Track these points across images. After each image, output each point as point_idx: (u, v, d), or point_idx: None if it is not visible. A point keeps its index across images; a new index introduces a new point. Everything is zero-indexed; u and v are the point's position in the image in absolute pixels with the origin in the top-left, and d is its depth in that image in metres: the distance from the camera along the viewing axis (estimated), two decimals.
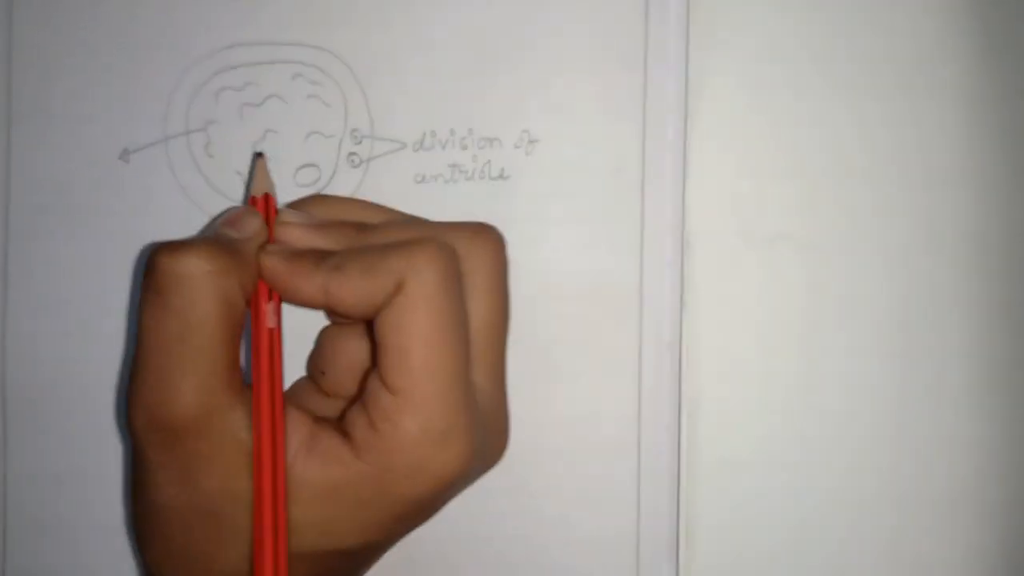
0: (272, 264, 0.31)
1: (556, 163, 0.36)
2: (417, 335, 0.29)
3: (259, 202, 0.33)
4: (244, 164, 0.37)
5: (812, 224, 0.36)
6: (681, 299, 0.36)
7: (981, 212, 0.36)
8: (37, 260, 0.37)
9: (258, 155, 0.34)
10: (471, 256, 0.31)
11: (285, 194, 0.37)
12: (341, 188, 0.37)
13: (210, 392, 0.29)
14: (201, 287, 0.29)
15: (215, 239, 0.31)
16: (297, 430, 0.30)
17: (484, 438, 0.32)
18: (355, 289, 0.30)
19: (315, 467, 0.30)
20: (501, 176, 0.37)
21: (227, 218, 0.32)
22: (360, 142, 0.37)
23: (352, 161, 0.37)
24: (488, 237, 0.32)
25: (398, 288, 0.29)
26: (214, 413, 0.29)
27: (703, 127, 0.36)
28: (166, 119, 0.37)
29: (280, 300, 0.31)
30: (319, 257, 0.31)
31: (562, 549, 0.36)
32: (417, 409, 0.29)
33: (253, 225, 0.31)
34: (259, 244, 0.31)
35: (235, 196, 0.37)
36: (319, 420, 0.31)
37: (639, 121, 0.36)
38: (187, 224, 0.37)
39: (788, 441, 0.36)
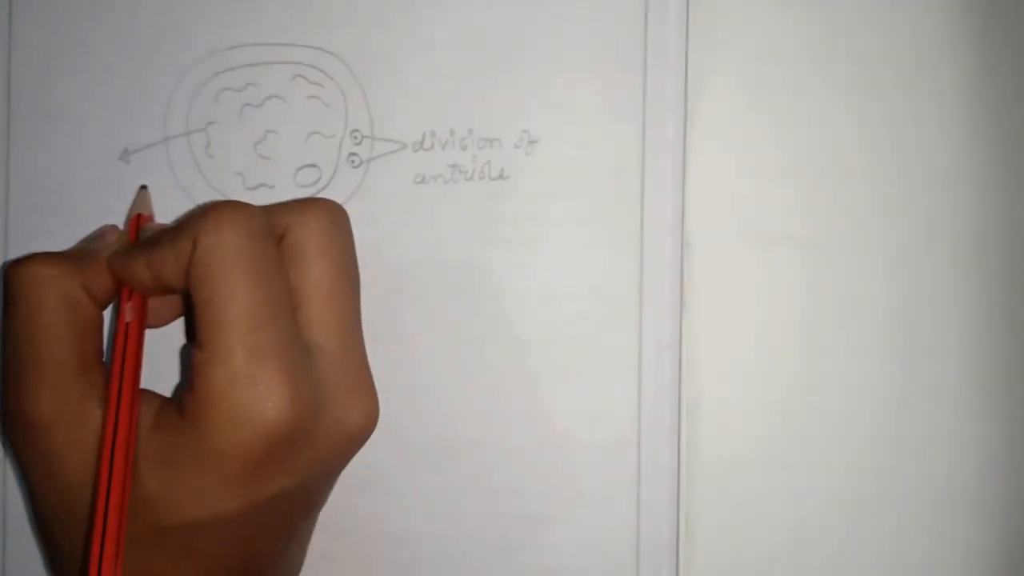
0: (111, 260, 0.33)
1: (556, 163, 0.36)
2: (212, 286, 0.30)
3: (132, 221, 0.35)
4: (245, 164, 0.37)
5: (812, 224, 0.36)
6: (681, 299, 0.36)
7: (981, 212, 0.36)
8: None
9: (142, 187, 0.37)
10: (299, 224, 0.32)
11: (286, 194, 0.37)
12: (342, 188, 0.37)
13: (60, 388, 0.31)
14: (41, 289, 0.31)
15: (64, 250, 0.33)
16: (149, 410, 0.32)
17: (326, 394, 0.31)
18: (166, 256, 0.31)
19: (156, 438, 0.31)
20: (501, 176, 0.37)
21: (91, 235, 0.35)
22: (360, 142, 0.37)
23: (352, 161, 0.37)
24: (318, 206, 0.33)
25: (195, 245, 0.30)
26: (66, 408, 0.31)
27: (703, 127, 0.36)
28: (166, 119, 0.37)
29: (142, 298, 0.33)
30: (146, 240, 0.33)
31: (562, 549, 0.36)
32: (221, 358, 0.30)
33: (110, 236, 0.34)
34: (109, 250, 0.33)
35: (235, 196, 0.37)
36: (168, 398, 0.33)
37: (639, 121, 0.36)
38: None
39: (788, 441, 0.36)
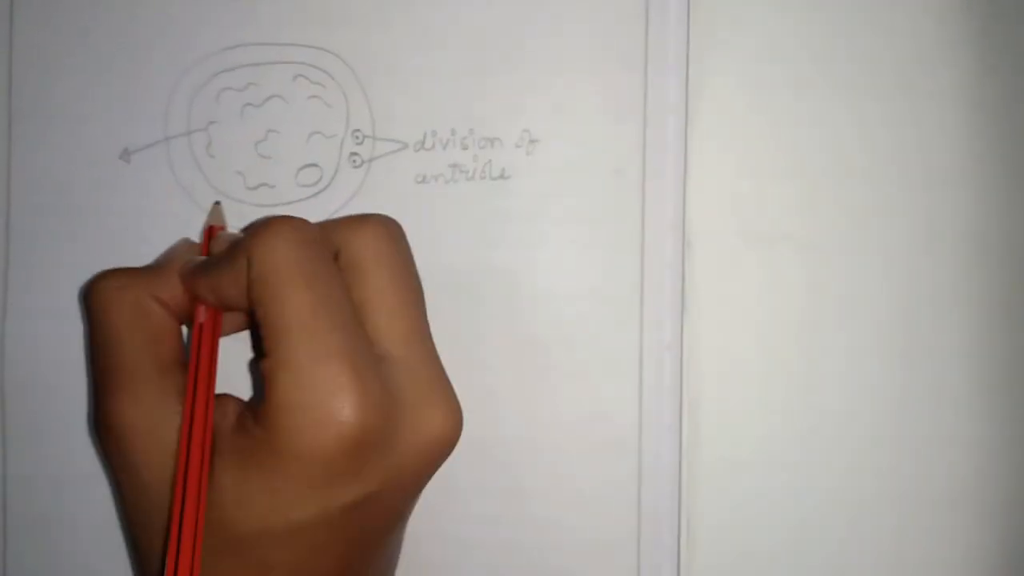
0: (182, 276, 0.34)
1: (556, 163, 0.37)
2: (270, 298, 0.30)
3: (204, 233, 0.36)
4: (246, 164, 0.37)
5: (812, 224, 0.36)
6: (681, 299, 0.36)
7: (981, 212, 0.36)
8: (37, 260, 0.38)
9: (216, 203, 0.37)
10: (353, 239, 0.32)
11: (287, 195, 0.37)
12: (343, 188, 0.37)
13: (138, 392, 0.32)
14: (112, 299, 0.33)
15: (137, 267, 0.35)
16: (230, 412, 0.32)
17: (401, 401, 0.31)
18: (223, 278, 0.32)
19: (234, 441, 0.31)
20: (502, 176, 0.37)
21: (169, 248, 0.36)
22: (361, 142, 0.37)
23: (354, 161, 0.37)
24: (371, 220, 0.33)
25: (249, 264, 0.31)
26: (145, 410, 0.32)
27: (703, 127, 0.36)
28: (167, 119, 0.37)
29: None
30: (204, 265, 0.33)
31: (562, 549, 0.36)
32: (285, 363, 0.30)
33: (182, 248, 0.35)
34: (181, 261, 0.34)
35: (236, 196, 0.37)
36: (247, 402, 0.33)
37: (639, 121, 0.36)
38: (187, 224, 0.37)
39: (788, 441, 0.36)
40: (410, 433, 0.31)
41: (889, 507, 0.36)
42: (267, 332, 0.30)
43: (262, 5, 0.37)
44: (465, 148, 0.37)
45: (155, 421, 0.32)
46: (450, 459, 0.36)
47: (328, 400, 0.30)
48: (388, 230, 0.33)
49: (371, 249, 0.32)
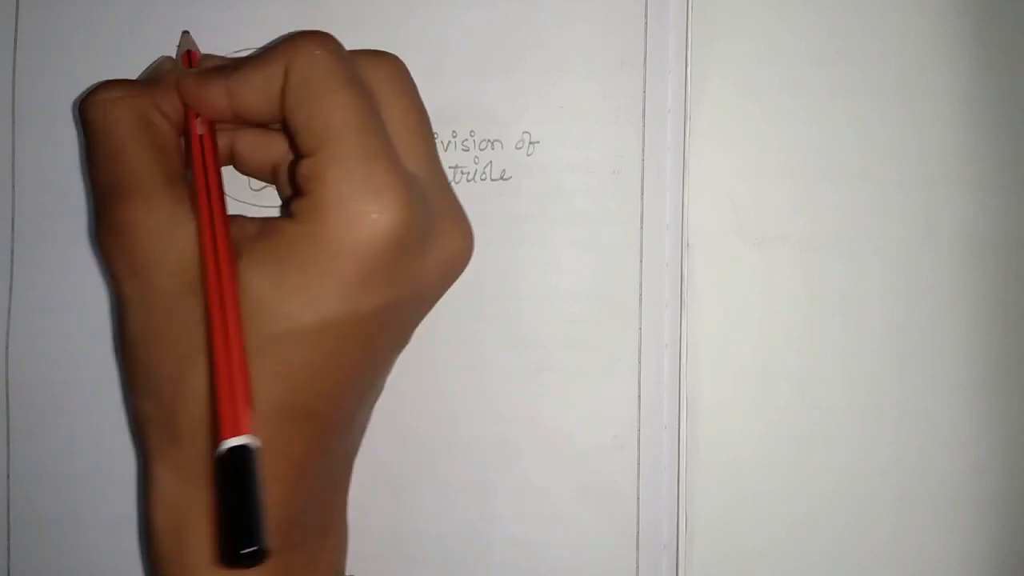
0: (184, 82, 0.33)
1: (557, 164, 0.37)
2: (314, 102, 0.31)
3: (183, 56, 0.36)
4: None
5: (811, 224, 0.36)
6: (681, 299, 0.36)
7: (979, 212, 0.36)
8: (41, 261, 0.38)
9: (184, 32, 0.37)
10: (375, 69, 0.33)
11: None
12: None
13: (149, 197, 0.32)
14: (114, 111, 0.32)
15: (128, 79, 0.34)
16: (251, 224, 0.33)
17: (428, 211, 0.32)
18: (251, 82, 0.32)
19: (263, 246, 0.31)
20: (502, 177, 0.37)
21: (149, 67, 0.36)
22: None
23: None
24: (386, 55, 0.33)
25: (288, 71, 0.31)
26: (157, 215, 0.31)
27: (702, 128, 0.36)
28: None
29: (209, 122, 0.34)
30: (222, 67, 0.33)
31: (562, 548, 0.36)
32: (335, 161, 0.30)
33: (167, 63, 0.35)
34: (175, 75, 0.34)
35: (241, 198, 0.38)
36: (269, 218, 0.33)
37: (639, 121, 0.36)
38: None
39: (788, 440, 0.36)
40: (438, 245, 0.32)
41: (888, 506, 0.36)
42: (312, 134, 0.31)
43: (264, 8, 0.38)
44: (466, 150, 0.37)
45: (170, 226, 0.31)
46: (450, 458, 0.37)
47: (377, 195, 0.30)
48: (401, 66, 0.33)
49: (388, 79, 0.33)
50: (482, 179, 0.37)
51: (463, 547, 0.37)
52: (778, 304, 0.36)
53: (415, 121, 0.33)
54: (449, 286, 0.34)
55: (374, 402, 0.35)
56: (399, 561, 0.37)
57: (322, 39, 0.32)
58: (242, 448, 0.28)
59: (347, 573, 0.35)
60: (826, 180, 0.36)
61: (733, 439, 0.36)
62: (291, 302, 0.30)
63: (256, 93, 0.32)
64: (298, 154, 0.31)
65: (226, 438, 0.28)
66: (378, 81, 0.32)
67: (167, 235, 0.31)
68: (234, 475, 0.28)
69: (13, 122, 0.38)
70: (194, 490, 0.31)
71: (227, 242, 0.31)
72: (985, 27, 0.36)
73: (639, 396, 0.36)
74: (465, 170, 0.37)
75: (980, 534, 0.36)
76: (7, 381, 0.38)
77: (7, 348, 0.38)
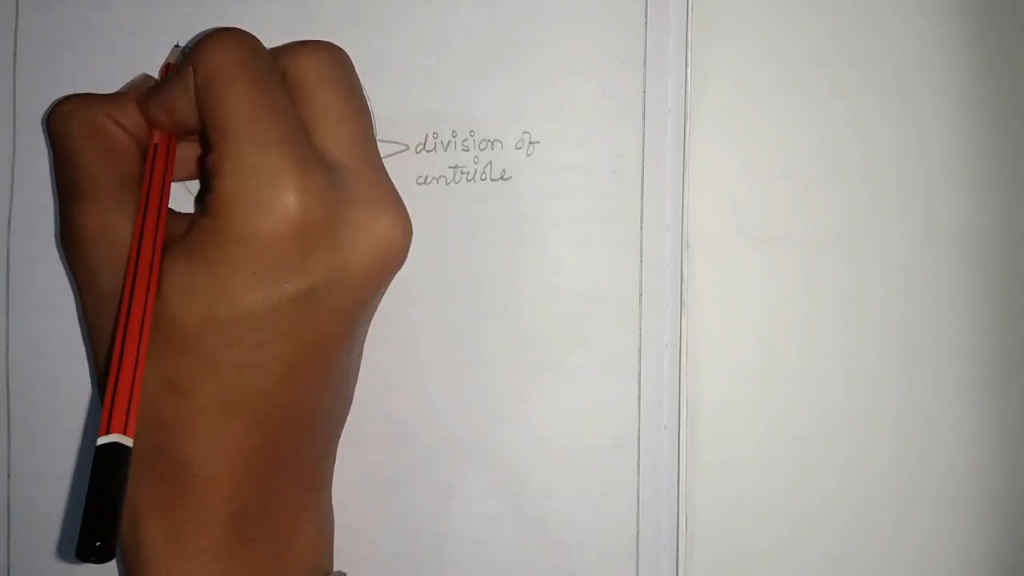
0: (138, 99, 0.34)
1: (557, 164, 0.37)
2: (214, 96, 0.31)
3: (162, 71, 0.37)
4: None
5: (810, 224, 0.36)
6: (681, 299, 0.36)
7: (979, 212, 0.36)
8: (41, 261, 0.38)
9: (175, 45, 0.38)
10: (299, 61, 0.33)
11: None
12: None
13: (99, 203, 0.33)
14: (68, 121, 0.34)
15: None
16: (184, 224, 0.33)
17: (337, 197, 0.32)
18: (174, 92, 0.33)
19: (183, 242, 0.32)
20: (502, 177, 0.37)
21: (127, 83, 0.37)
22: None
23: None
24: (316, 44, 0.34)
25: (195, 72, 0.32)
26: (106, 221, 0.33)
27: (702, 128, 0.36)
28: None
29: (169, 136, 0.35)
30: (160, 82, 0.35)
31: (562, 549, 0.36)
32: (229, 153, 0.31)
33: (138, 80, 0.36)
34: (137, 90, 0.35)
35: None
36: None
37: (639, 121, 0.36)
38: None
39: (788, 441, 0.36)
40: (357, 232, 0.32)
41: (888, 506, 0.36)
42: (212, 129, 0.31)
43: (264, 8, 0.38)
44: (466, 150, 0.37)
45: (115, 229, 0.32)
46: (450, 458, 0.37)
47: (270, 183, 0.30)
48: (333, 54, 0.34)
49: (313, 69, 0.33)
50: (482, 179, 0.37)
51: (463, 547, 0.37)
52: (778, 304, 0.36)
53: (341, 108, 0.33)
54: (385, 276, 0.33)
55: (339, 398, 0.35)
56: (398, 561, 0.37)
57: (225, 35, 0.32)
58: (112, 445, 0.29)
59: (336, 570, 0.35)
60: (826, 180, 0.36)
61: (733, 439, 0.36)
62: (206, 294, 0.31)
63: (181, 100, 0.33)
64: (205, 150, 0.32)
65: (101, 435, 0.29)
66: (304, 71, 0.33)
67: (112, 237, 0.32)
68: (100, 471, 0.28)
69: (14, 122, 0.38)
70: (144, 483, 0.32)
71: (152, 241, 0.32)
72: (985, 27, 0.36)
73: (639, 396, 0.36)
74: (465, 170, 0.37)
75: (980, 534, 0.36)
76: (7, 381, 0.38)
77: (7, 348, 0.38)
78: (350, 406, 0.36)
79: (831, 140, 0.36)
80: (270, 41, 0.37)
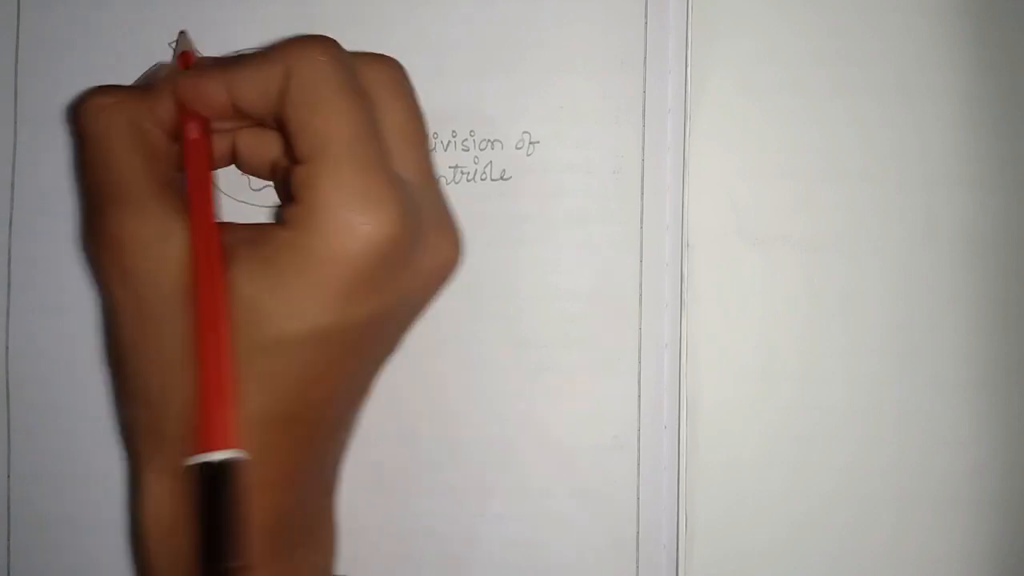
0: (183, 81, 0.33)
1: (557, 164, 0.37)
2: (313, 106, 0.31)
3: (179, 59, 0.35)
4: None
5: (810, 224, 0.36)
6: (681, 299, 0.36)
7: (979, 212, 0.36)
8: (41, 261, 0.38)
9: (182, 32, 0.37)
10: (371, 71, 0.33)
11: None
12: None
13: (141, 205, 0.31)
14: (106, 117, 0.32)
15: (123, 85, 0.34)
16: (236, 231, 0.32)
17: (419, 222, 0.32)
18: (251, 80, 0.32)
19: (254, 251, 0.31)
20: (502, 177, 0.37)
21: (145, 73, 0.36)
22: None
23: None
24: (385, 58, 0.33)
25: (288, 74, 0.31)
26: (149, 224, 0.31)
27: (702, 128, 0.36)
28: None
29: (204, 124, 0.33)
30: (221, 63, 0.33)
31: (562, 549, 0.36)
32: (329, 169, 0.30)
33: (163, 70, 0.35)
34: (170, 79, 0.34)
35: (241, 197, 0.38)
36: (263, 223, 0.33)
37: (639, 121, 0.36)
38: None
39: (788, 441, 0.36)
40: (428, 254, 0.32)
41: (888, 506, 0.36)
42: (307, 141, 0.31)
43: (264, 8, 0.38)
44: (466, 150, 0.37)
45: (161, 235, 0.31)
46: (450, 457, 0.37)
47: (369, 206, 0.30)
48: (400, 69, 0.33)
49: (387, 82, 0.33)
50: (482, 179, 0.37)
51: (463, 547, 0.37)
52: (778, 304, 0.36)
53: (412, 127, 0.33)
54: (438, 293, 0.34)
55: (364, 406, 0.35)
56: (399, 561, 0.37)
57: (325, 44, 0.32)
58: (226, 461, 0.28)
59: (339, 574, 0.35)
60: (826, 180, 0.36)
61: (733, 439, 0.36)
62: (280, 311, 0.30)
63: (255, 91, 0.32)
64: (293, 159, 0.31)
65: (210, 450, 0.28)
66: (376, 85, 0.32)
67: (158, 245, 0.31)
68: (217, 488, 0.28)
69: (15, 122, 0.38)
70: (183, 497, 0.31)
71: (218, 249, 0.31)
72: (985, 27, 0.36)
73: (639, 396, 0.36)
74: (465, 170, 0.37)
75: (980, 534, 0.36)
76: (7, 381, 0.38)
77: (7, 348, 0.38)
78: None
79: (831, 140, 0.36)
80: (269, 40, 0.37)
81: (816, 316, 0.36)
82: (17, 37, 0.38)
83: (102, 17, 0.38)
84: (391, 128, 0.32)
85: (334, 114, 0.31)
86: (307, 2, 0.38)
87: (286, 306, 0.30)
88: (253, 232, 0.32)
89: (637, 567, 0.36)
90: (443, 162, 0.37)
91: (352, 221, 0.30)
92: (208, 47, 0.37)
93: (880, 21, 0.36)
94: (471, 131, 0.37)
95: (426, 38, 0.37)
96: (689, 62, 0.36)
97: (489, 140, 0.37)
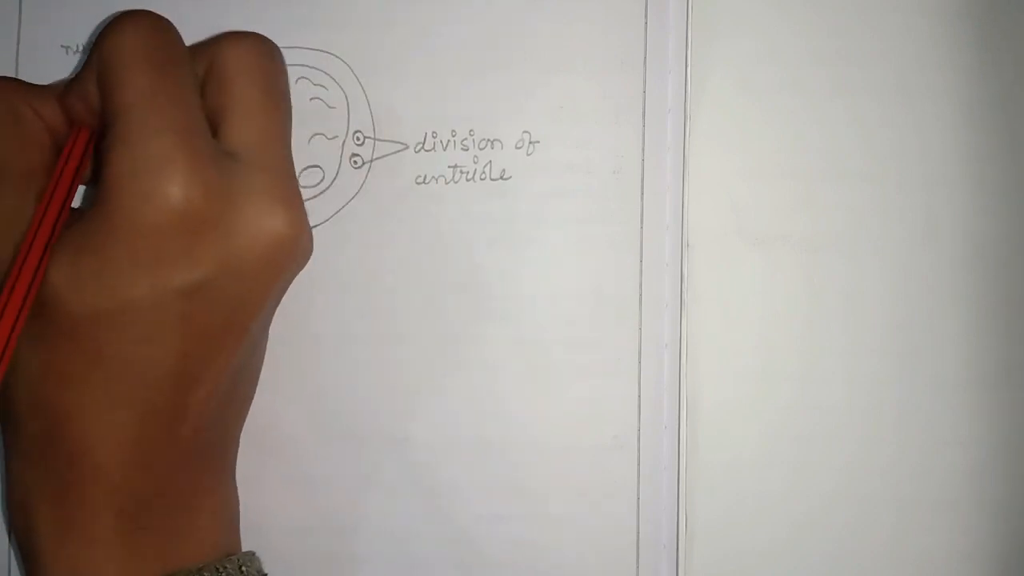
0: (58, 93, 0.34)
1: (557, 163, 0.37)
2: (111, 77, 0.31)
3: None
4: None
5: (811, 224, 0.36)
6: (681, 299, 0.36)
7: (979, 212, 0.36)
8: None
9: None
10: (221, 51, 0.33)
11: None
12: (344, 189, 0.37)
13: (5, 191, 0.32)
14: None
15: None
16: (74, 216, 0.32)
17: (246, 197, 0.31)
18: (86, 80, 0.32)
19: (75, 228, 0.31)
20: (502, 177, 0.37)
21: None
22: (362, 144, 0.37)
23: (354, 163, 0.37)
24: (240, 35, 0.34)
25: (99, 58, 0.31)
26: (3, 201, 0.32)
27: (702, 127, 0.36)
28: None
29: (88, 136, 0.34)
30: (74, 75, 0.34)
31: (562, 549, 0.36)
32: (121, 139, 0.30)
33: (60, 81, 0.35)
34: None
35: None
36: None
37: (639, 121, 0.36)
38: None
39: (788, 441, 0.36)
40: (249, 226, 0.31)
41: (888, 507, 0.36)
42: (107, 113, 0.31)
43: (265, 8, 0.38)
44: (465, 149, 0.37)
45: (11, 215, 0.32)
46: (450, 458, 0.37)
47: (157, 171, 0.30)
48: (259, 45, 0.33)
49: (234, 59, 0.33)
50: (482, 179, 0.37)
51: (463, 547, 0.37)
52: (778, 304, 0.36)
53: (254, 100, 0.33)
54: (280, 273, 0.33)
55: (236, 390, 0.34)
56: (398, 561, 0.37)
57: (129, 17, 0.32)
58: None
59: (245, 551, 0.35)
60: (826, 180, 0.36)
61: (733, 439, 0.36)
62: (89, 286, 0.30)
63: (89, 86, 0.32)
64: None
65: None
66: (226, 61, 0.32)
67: (7, 225, 0.32)
68: None
69: None
70: (33, 471, 0.32)
71: (50, 232, 0.31)
72: (985, 27, 0.36)
73: (639, 396, 0.36)
74: (465, 170, 0.37)
75: (980, 535, 0.36)
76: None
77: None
78: (252, 397, 0.35)
79: (831, 140, 0.36)
80: (274, 41, 0.37)
81: (816, 316, 0.36)
82: (18, 37, 0.38)
83: (102, 17, 0.38)
84: (232, 98, 0.32)
85: (126, 84, 0.31)
86: (307, 2, 0.38)
87: (97, 280, 0.30)
88: (76, 216, 0.32)
89: (637, 567, 0.36)
90: (442, 161, 0.37)
91: (143, 188, 0.30)
92: None
93: (880, 21, 0.36)
94: (471, 131, 0.37)
95: (426, 37, 0.37)
96: (689, 62, 0.36)
97: (489, 140, 0.37)
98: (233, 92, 0.32)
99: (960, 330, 0.36)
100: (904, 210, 0.36)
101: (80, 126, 0.33)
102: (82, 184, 0.35)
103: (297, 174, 0.37)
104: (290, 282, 0.34)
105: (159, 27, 0.32)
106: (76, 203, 0.34)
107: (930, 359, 0.36)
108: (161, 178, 0.30)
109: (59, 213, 0.32)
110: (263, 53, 0.33)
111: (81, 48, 0.38)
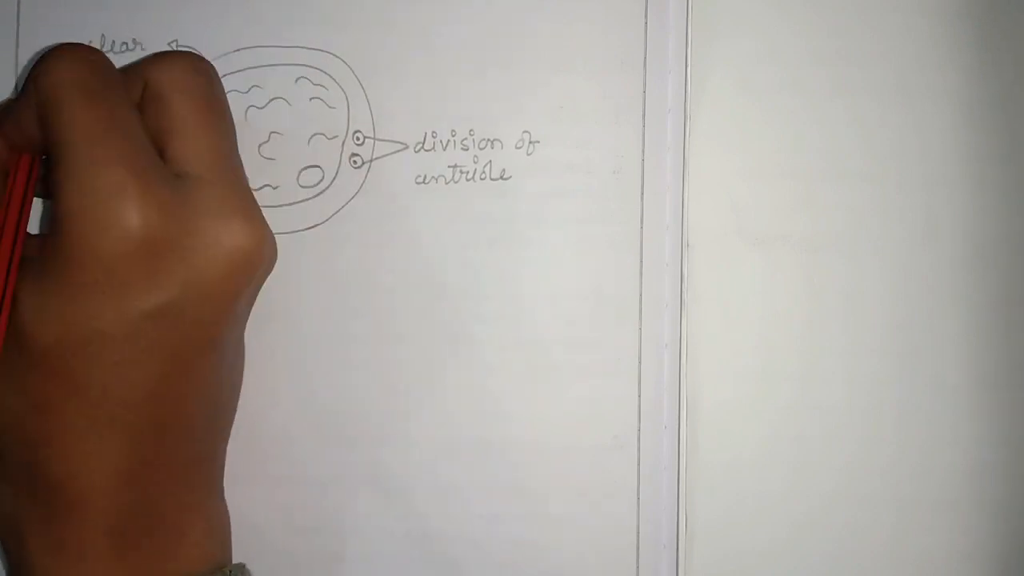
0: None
1: (557, 163, 0.37)
2: (52, 113, 0.31)
3: None
4: (249, 166, 0.37)
5: (811, 224, 0.36)
6: (681, 299, 0.36)
7: (979, 212, 0.36)
8: None
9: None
10: (158, 73, 0.33)
11: (288, 195, 0.37)
12: (344, 189, 0.37)
13: None
14: None
15: None
16: (35, 244, 0.33)
17: (202, 215, 0.31)
18: (21, 108, 0.32)
19: (37, 261, 0.31)
20: (502, 177, 0.37)
21: None
22: (362, 143, 0.37)
23: (354, 162, 0.37)
24: (174, 55, 0.33)
25: (36, 92, 0.31)
26: None
27: (702, 128, 0.36)
28: None
29: (30, 162, 0.34)
30: (9, 102, 0.34)
31: (562, 549, 0.36)
32: (67, 172, 0.30)
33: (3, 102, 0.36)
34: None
35: None
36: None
37: (639, 121, 0.36)
38: None
39: (788, 441, 0.36)
40: (207, 243, 0.32)
41: (888, 507, 0.36)
42: (53, 147, 0.31)
43: (265, 8, 0.38)
44: (465, 149, 0.37)
45: None
46: (450, 458, 0.37)
47: (109, 202, 0.30)
48: (192, 64, 0.33)
49: (170, 80, 0.33)
50: (482, 179, 0.37)
51: (463, 547, 0.37)
52: (778, 304, 0.36)
53: (195, 119, 0.33)
54: (243, 285, 0.33)
55: (217, 404, 0.34)
56: (398, 561, 0.37)
57: (62, 51, 0.32)
58: None
59: (236, 563, 0.35)
60: (826, 180, 0.36)
61: (733, 439, 0.36)
62: (55, 316, 0.31)
63: (27, 116, 0.32)
64: None
65: None
66: (162, 83, 0.32)
67: None
68: None
69: None
70: (22, 498, 0.32)
71: (8, 260, 0.31)
72: (985, 27, 0.36)
73: (639, 396, 0.36)
74: (465, 170, 0.37)
75: (980, 535, 0.36)
76: None
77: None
78: (235, 407, 0.35)
79: (831, 140, 0.36)
80: (270, 40, 0.37)
81: (816, 316, 0.36)
82: (17, 38, 0.38)
83: (103, 19, 0.38)
84: (173, 124, 0.32)
85: (68, 116, 0.31)
86: (307, 2, 0.38)
87: (63, 310, 0.31)
88: (35, 242, 0.32)
89: (637, 567, 0.36)
90: (442, 161, 0.37)
91: (98, 218, 0.30)
92: (205, 47, 0.37)
93: (880, 21, 0.36)
94: (471, 130, 0.37)
95: (426, 37, 0.37)
96: (689, 62, 0.36)
97: (489, 140, 0.37)
98: (173, 113, 0.32)
99: (960, 330, 0.36)
100: (904, 210, 0.36)
101: (20, 153, 0.34)
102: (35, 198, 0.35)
103: (297, 174, 0.37)
104: (259, 289, 0.34)
105: (90, 59, 0.32)
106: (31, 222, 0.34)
107: (930, 359, 0.36)
108: (117, 207, 0.30)
109: (14, 241, 0.32)
110: (197, 70, 0.33)
111: None
